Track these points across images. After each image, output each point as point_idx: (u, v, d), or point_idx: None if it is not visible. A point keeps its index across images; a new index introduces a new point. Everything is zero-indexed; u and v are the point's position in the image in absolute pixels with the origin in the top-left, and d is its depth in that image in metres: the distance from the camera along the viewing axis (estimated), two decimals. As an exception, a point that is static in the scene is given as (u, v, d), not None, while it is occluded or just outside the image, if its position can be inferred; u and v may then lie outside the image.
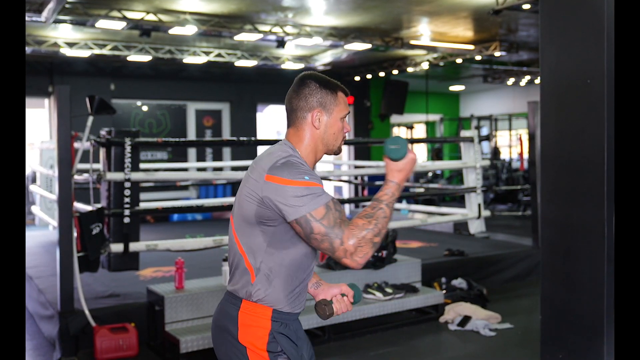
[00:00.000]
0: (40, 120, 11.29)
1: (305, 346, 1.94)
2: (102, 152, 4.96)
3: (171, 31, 8.51)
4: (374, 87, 14.26)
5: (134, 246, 4.86)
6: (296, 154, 1.89)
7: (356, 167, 10.73)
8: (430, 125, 17.73)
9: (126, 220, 4.81)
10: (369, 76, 13.22)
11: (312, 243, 1.80)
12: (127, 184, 4.81)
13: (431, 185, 11.18)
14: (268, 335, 1.84)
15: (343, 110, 1.97)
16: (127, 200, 4.81)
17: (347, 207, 11.17)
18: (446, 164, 12.44)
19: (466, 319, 4.95)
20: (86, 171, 5.57)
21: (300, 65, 11.79)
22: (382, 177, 9.66)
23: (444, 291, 5.43)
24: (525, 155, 11.82)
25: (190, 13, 8.23)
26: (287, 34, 9.13)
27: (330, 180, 9.17)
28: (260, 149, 8.52)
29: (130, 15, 7.98)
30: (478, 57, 10.91)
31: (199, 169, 10.32)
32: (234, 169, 10.97)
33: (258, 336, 1.84)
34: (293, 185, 1.76)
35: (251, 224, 1.84)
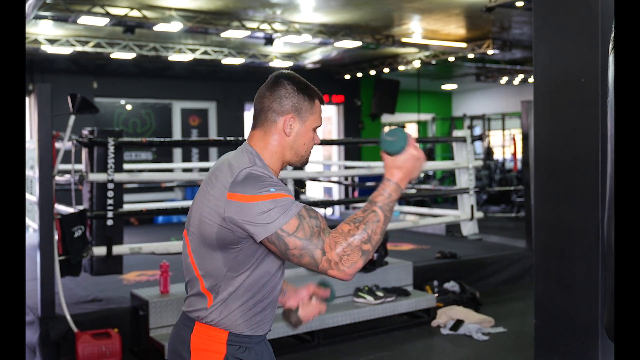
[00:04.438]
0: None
1: None
2: (84, 152, 4.92)
3: (156, 28, 8.41)
4: (364, 86, 14.20)
5: (117, 249, 4.79)
6: (258, 163, 1.70)
7: (346, 167, 10.65)
8: (422, 125, 17.70)
9: (109, 222, 4.76)
10: (359, 74, 13.16)
11: (291, 260, 1.61)
12: (110, 185, 4.76)
13: (423, 186, 11.13)
14: None
15: (317, 120, 1.79)
16: (110, 202, 4.76)
17: (337, 209, 11.07)
18: (438, 165, 12.40)
19: (459, 323, 4.90)
20: (68, 172, 5.47)
21: (289, 63, 11.71)
22: (372, 178, 9.63)
23: (436, 294, 5.36)
24: (519, 156, 11.79)
25: (176, 9, 8.13)
26: (276, 31, 9.04)
27: (320, 181, 9.10)
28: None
29: (113, 11, 7.87)
30: (471, 56, 10.86)
31: (185, 170, 10.20)
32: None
33: None
34: (258, 201, 1.57)
35: (211, 247, 1.67)
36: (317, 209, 1.68)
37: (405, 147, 1.62)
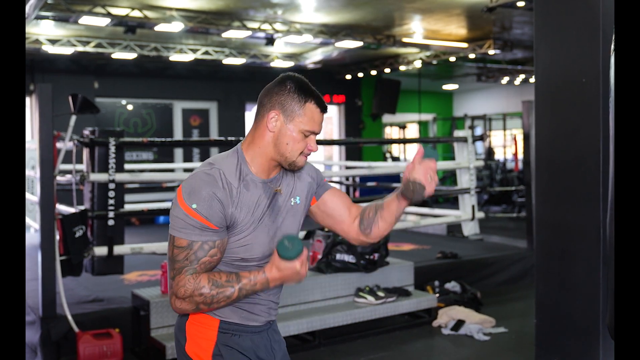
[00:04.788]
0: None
1: None
2: (85, 152, 4.90)
3: (157, 28, 8.42)
4: (365, 86, 14.19)
5: (118, 249, 4.78)
6: (230, 163, 1.75)
7: (347, 167, 10.65)
8: (423, 125, 17.69)
9: (110, 222, 4.75)
10: (360, 75, 13.16)
11: None
12: (112, 185, 4.75)
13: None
14: (213, 348, 1.75)
15: (307, 124, 1.74)
16: (111, 202, 4.75)
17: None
18: (439, 165, 12.35)
19: (460, 323, 4.88)
20: (69, 172, 5.47)
21: (290, 64, 11.70)
22: (373, 178, 9.63)
23: (437, 294, 5.35)
24: (520, 156, 11.78)
25: (177, 9, 8.13)
26: (277, 31, 9.05)
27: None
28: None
29: (114, 11, 7.87)
30: (472, 56, 10.85)
31: (186, 170, 10.18)
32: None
33: (203, 348, 1.76)
34: (180, 206, 1.69)
35: None
36: (211, 257, 1.72)
37: (294, 258, 1.69)
